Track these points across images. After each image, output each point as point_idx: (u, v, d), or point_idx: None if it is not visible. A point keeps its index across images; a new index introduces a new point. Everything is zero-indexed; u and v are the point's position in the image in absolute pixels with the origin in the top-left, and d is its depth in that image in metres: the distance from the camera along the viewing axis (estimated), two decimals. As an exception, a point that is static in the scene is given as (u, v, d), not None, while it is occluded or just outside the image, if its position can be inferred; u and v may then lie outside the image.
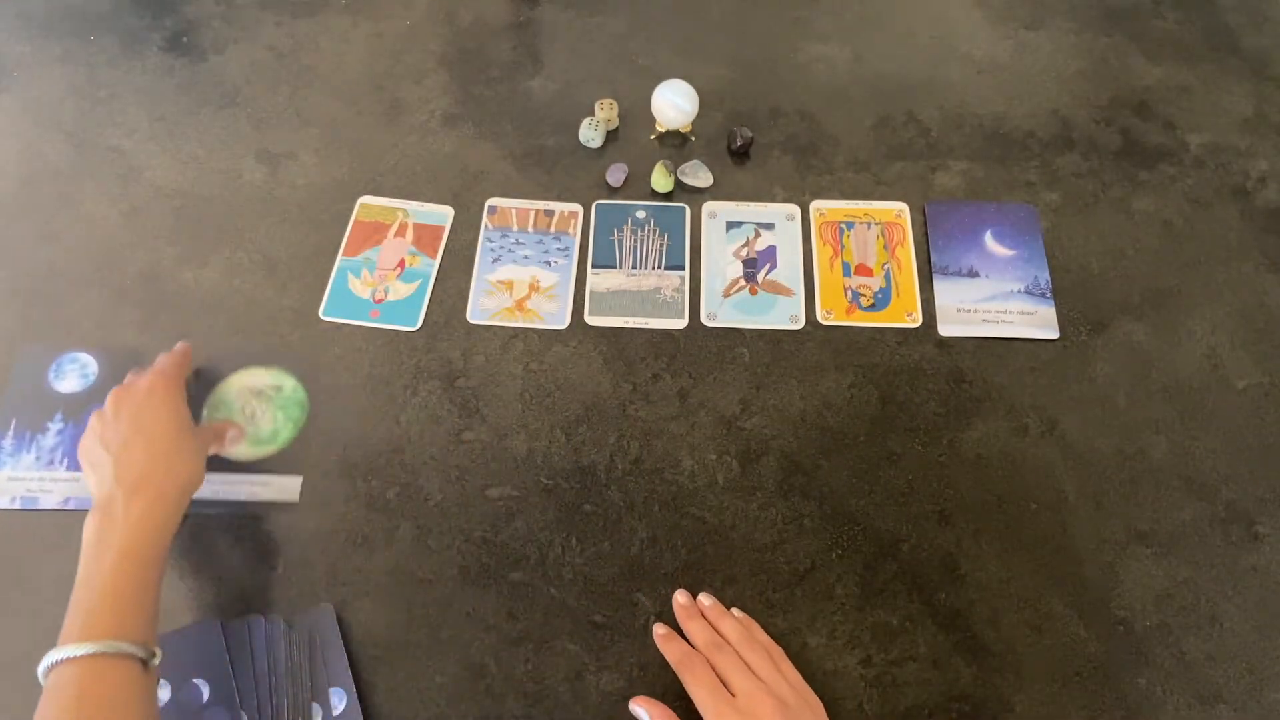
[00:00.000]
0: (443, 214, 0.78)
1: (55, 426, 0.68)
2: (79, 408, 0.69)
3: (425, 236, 0.77)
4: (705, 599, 0.62)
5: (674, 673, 0.58)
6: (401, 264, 0.76)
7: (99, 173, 0.81)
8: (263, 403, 0.69)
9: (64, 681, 0.50)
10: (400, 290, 0.74)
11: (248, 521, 0.65)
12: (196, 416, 0.69)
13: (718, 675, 0.56)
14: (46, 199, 0.79)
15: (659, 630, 0.61)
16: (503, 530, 0.65)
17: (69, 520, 0.65)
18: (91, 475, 0.59)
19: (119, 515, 0.56)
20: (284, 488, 0.66)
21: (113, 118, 0.84)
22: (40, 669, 0.51)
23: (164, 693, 0.59)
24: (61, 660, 0.50)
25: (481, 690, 0.60)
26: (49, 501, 0.66)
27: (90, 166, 0.81)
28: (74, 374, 0.71)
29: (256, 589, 0.63)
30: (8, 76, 0.86)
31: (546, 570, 0.64)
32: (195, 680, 0.59)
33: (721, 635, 0.59)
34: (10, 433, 0.68)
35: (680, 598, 0.62)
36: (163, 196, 0.80)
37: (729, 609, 0.62)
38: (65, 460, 0.67)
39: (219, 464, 0.67)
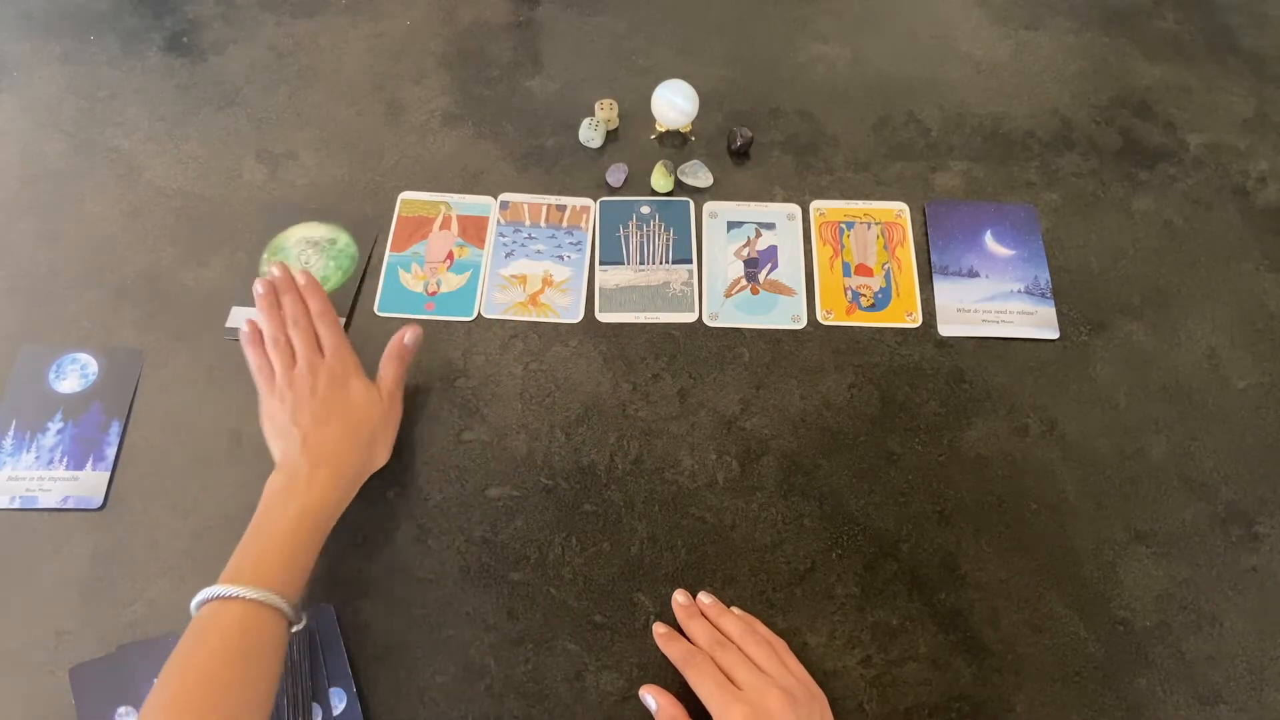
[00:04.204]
0: (485, 205, 0.79)
1: (55, 426, 0.68)
2: (79, 407, 0.69)
3: (470, 228, 0.78)
4: (705, 598, 0.62)
5: (675, 673, 0.58)
6: (450, 256, 0.77)
7: (99, 173, 0.81)
8: (317, 252, 0.76)
9: (223, 618, 0.53)
10: (452, 282, 0.76)
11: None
12: (256, 263, 0.76)
13: (722, 671, 0.56)
14: (46, 199, 0.79)
15: (659, 630, 0.61)
16: (503, 530, 0.65)
17: (68, 520, 0.65)
18: (277, 443, 0.63)
19: (302, 481, 0.59)
20: None
21: (113, 118, 0.84)
22: (199, 598, 0.54)
23: (164, 693, 0.59)
24: (226, 597, 0.53)
25: (481, 690, 0.60)
26: (48, 501, 0.66)
27: (90, 166, 0.81)
28: (74, 374, 0.71)
29: (256, 589, 0.63)
30: (8, 76, 0.87)
31: (546, 570, 0.64)
32: (195, 680, 0.59)
33: (723, 633, 0.59)
34: (10, 432, 0.68)
35: (680, 597, 0.62)
36: (163, 196, 0.80)
37: (729, 607, 0.62)
38: (65, 459, 0.67)
39: None
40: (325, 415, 0.62)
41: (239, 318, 0.72)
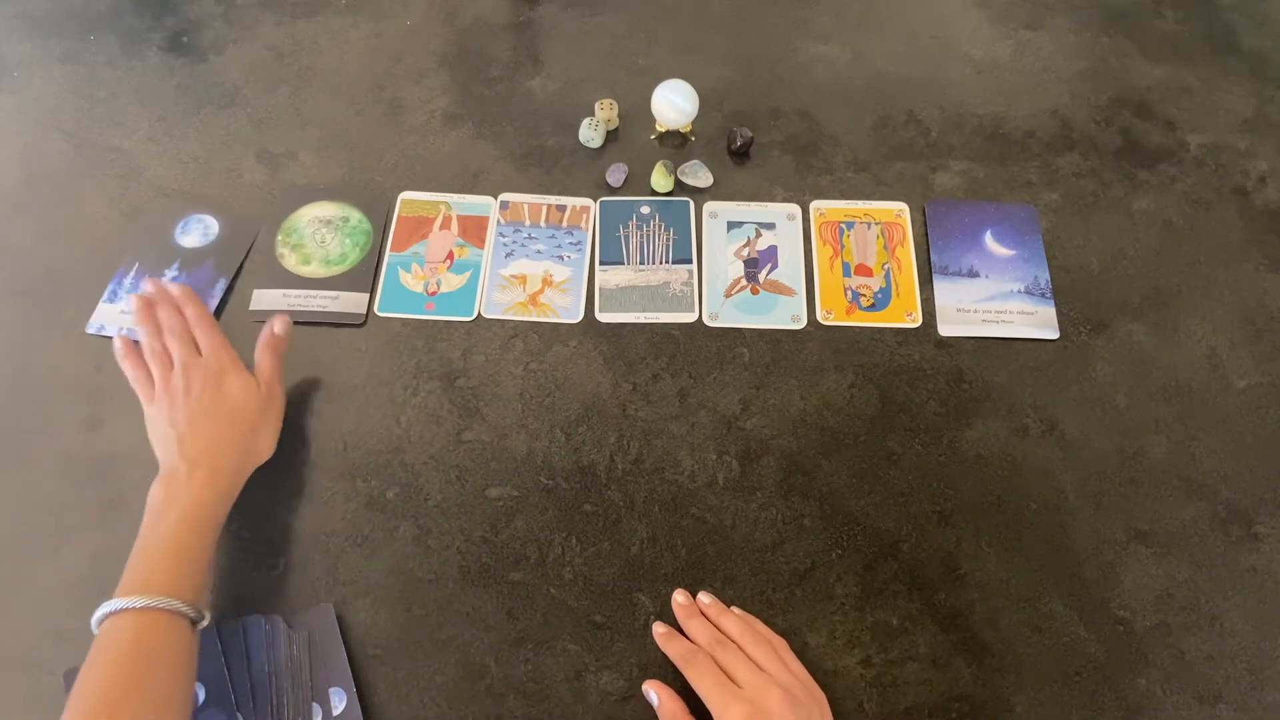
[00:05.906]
0: (485, 205, 0.79)
1: (171, 274, 0.75)
2: (194, 261, 0.76)
3: (471, 228, 0.78)
4: (705, 597, 0.62)
5: (675, 673, 0.58)
6: (450, 256, 0.77)
7: (99, 173, 0.81)
8: (331, 230, 0.78)
9: (120, 630, 0.53)
10: (452, 282, 0.76)
11: (255, 503, 0.65)
12: (271, 243, 0.77)
13: (722, 670, 0.56)
14: (46, 199, 0.79)
15: (659, 629, 0.61)
16: (503, 530, 0.65)
17: (69, 519, 0.65)
18: (159, 449, 0.62)
19: (181, 484, 0.59)
20: (352, 301, 0.75)
21: (113, 118, 0.84)
22: (96, 616, 0.54)
23: (163, 693, 0.59)
24: (119, 610, 0.53)
25: (481, 690, 0.60)
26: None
27: (90, 166, 0.81)
28: (197, 232, 0.77)
29: (256, 589, 0.63)
30: (8, 76, 0.87)
31: (546, 570, 0.64)
32: (194, 681, 0.59)
33: (723, 632, 0.59)
34: (132, 273, 0.75)
35: (679, 597, 0.62)
36: (163, 196, 0.80)
37: (729, 607, 0.62)
38: None
39: (296, 281, 0.76)
40: (200, 414, 0.62)
41: (261, 300, 0.75)
